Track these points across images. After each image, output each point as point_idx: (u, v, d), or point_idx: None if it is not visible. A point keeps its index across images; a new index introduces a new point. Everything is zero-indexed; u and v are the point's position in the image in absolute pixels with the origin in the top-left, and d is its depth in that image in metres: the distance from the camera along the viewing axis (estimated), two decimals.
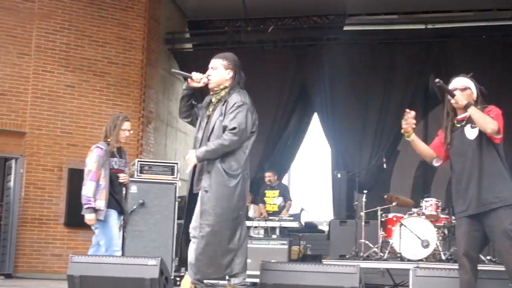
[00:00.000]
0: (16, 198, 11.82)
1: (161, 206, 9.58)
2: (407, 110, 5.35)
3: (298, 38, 14.47)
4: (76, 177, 11.64)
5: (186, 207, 5.59)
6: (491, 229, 5.11)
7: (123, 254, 7.89)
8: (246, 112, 5.41)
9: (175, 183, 9.70)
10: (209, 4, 14.37)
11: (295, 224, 11.07)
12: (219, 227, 5.27)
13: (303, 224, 12.19)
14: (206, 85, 5.57)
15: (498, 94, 9.95)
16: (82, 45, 12.39)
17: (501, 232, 5.06)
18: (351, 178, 11.84)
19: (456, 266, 5.50)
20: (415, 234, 9.15)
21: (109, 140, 7.25)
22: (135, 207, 9.26)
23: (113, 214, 7.18)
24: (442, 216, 9.74)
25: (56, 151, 11.98)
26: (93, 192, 7.02)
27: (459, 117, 5.34)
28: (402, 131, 5.37)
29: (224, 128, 5.38)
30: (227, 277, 5.40)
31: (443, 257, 9.17)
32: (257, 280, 5.75)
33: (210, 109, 5.56)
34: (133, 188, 9.24)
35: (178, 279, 8.63)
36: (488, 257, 8.98)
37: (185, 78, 5.63)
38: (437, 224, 9.48)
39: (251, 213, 11.89)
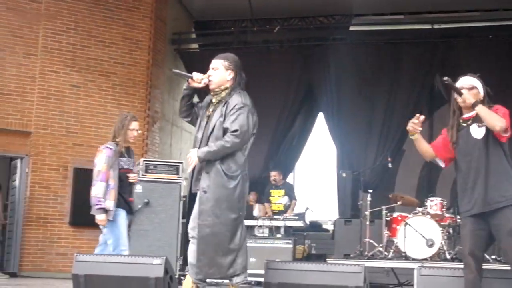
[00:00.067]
0: (21, 197, 11.86)
1: (166, 205, 9.60)
2: (418, 115, 5.36)
3: (304, 38, 14.49)
4: (81, 177, 11.74)
5: (188, 207, 5.59)
6: (498, 228, 5.09)
7: None
8: (247, 113, 5.39)
9: (180, 182, 9.72)
10: (215, 5, 14.38)
11: (299, 223, 11.07)
12: (219, 228, 5.27)
13: (308, 223, 12.19)
14: (207, 85, 5.56)
15: (504, 94, 9.92)
16: (88, 46, 12.43)
17: (508, 231, 5.05)
18: (356, 177, 11.83)
19: (461, 265, 5.49)
20: (420, 233, 9.14)
21: (117, 140, 7.24)
22: (140, 206, 9.26)
23: (122, 214, 7.18)
24: (447, 215, 9.71)
25: (62, 150, 12.02)
26: (103, 192, 7.02)
27: (465, 116, 5.33)
28: (408, 128, 5.39)
29: (225, 130, 5.36)
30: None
31: (448, 257, 9.14)
32: (261, 279, 5.75)
33: (210, 109, 5.55)
34: (138, 188, 9.25)
35: (182, 278, 8.60)
36: (493, 256, 8.96)
37: (186, 78, 5.62)
38: (442, 224, 9.45)
39: (256, 213, 11.88)
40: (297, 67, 14.05)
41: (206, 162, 5.36)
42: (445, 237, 9.35)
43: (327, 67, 13.76)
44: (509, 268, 5.28)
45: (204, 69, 5.72)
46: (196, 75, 5.53)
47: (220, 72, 5.54)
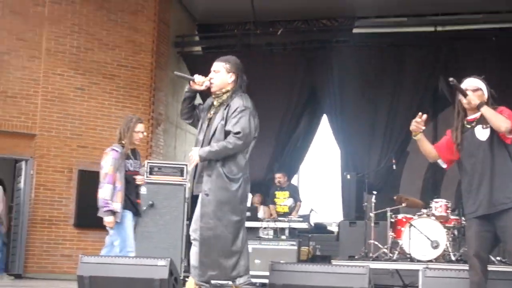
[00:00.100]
0: (26, 199, 11.88)
1: (170, 207, 9.62)
2: (420, 113, 5.37)
3: (307, 41, 14.50)
4: (86, 179, 11.78)
5: (190, 209, 5.60)
6: (503, 229, 5.08)
7: None
8: (248, 116, 5.38)
9: (185, 184, 9.73)
10: (218, 8, 14.40)
11: (304, 225, 11.06)
12: (221, 231, 5.27)
13: (313, 225, 12.18)
14: (209, 88, 5.56)
15: (507, 97, 9.91)
16: (92, 48, 12.46)
17: None
18: (360, 179, 11.83)
19: (466, 266, 5.49)
20: (424, 235, 9.14)
21: (123, 142, 7.26)
22: (144, 208, 9.25)
23: (129, 215, 7.19)
24: (451, 217, 9.70)
25: (66, 152, 12.05)
26: (110, 194, 7.03)
27: (469, 118, 5.33)
28: (411, 128, 5.40)
29: (227, 133, 5.36)
30: None
31: (453, 258, 9.14)
32: (266, 281, 5.75)
33: (212, 112, 5.54)
34: (143, 190, 9.23)
35: (187, 279, 8.63)
36: (498, 258, 8.96)
37: (188, 81, 5.62)
38: (446, 225, 9.45)
39: (260, 214, 11.89)
40: (300, 70, 14.06)
41: (208, 165, 5.35)
42: (450, 239, 9.34)
43: (330, 70, 13.77)
44: None
45: (207, 72, 5.72)
46: (197, 77, 5.53)
47: (221, 74, 5.53)
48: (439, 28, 13.66)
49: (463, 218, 9.26)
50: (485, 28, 13.58)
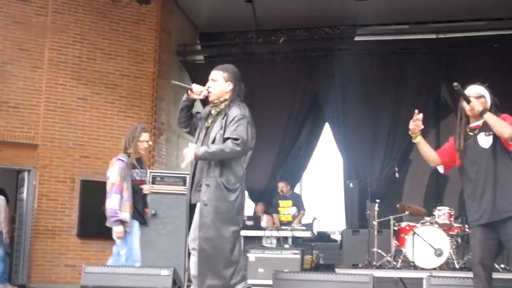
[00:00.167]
0: (29, 209, 11.87)
1: (173, 216, 9.62)
2: (417, 111, 5.37)
3: (309, 49, 14.49)
4: (88, 189, 11.79)
5: (188, 219, 5.55)
6: (507, 237, 5.06)
7: None
8: (246, 124, 5.35)
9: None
10: (220, 16, 14.42)
11: (307, 234, 11.06)
12: (219, 241, 5.25)
13: (316, 233, 12.18)
14: (207, 96, 5.55)
15: (510, 103, 9.91)
16: (94, 58, 12.47)
17: None
18: (363, 187, 11.83)
19: (469, 274, 5.47)
20: (428, 242, 9.13)
21: (129, 151, 7.27)
22: None
23: (135, 225, 7.20)
24: (455, 224, 9.70)
25: (69, 163, 12.04)
26: (118, 204, 7.04)
27: (472, 125, 5.32)
28: (410, 132, 5.40)
29: (225, 141, 5.35)
30: None
31: (457, 266, 9.14)
32: None
33: (209, 121, 5.52)
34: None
35: None
36: (502, 266, 8.95)
37: (186, 90, 5.61)
38: (450, 233, 9.45)
39: (263, 223, 11.88)
40: (302, 78, 14.08)
41: (206, 174, 5.32)
42: (454, 247, 9.34)
43: (332, 78, 13.78)
44: None
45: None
46: (195, 86, 5.51)
47: (219, 83, 5.49)
48: (441, 35, 13.67)
49: (466, 226, 9.26)
50: (487, 35, 13.58)
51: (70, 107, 12.19)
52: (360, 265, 10.10)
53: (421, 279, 6.13)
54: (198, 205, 5.36)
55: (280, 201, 12.24)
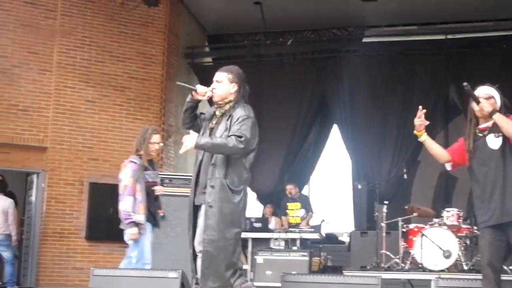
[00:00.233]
0: (37, 212, 11.90)
1: (181, 219, 9.60)
2: (420, 107, 5.39)
3: (317, 50, 14.48)
4: (96, 191, 11.82)
5: (192, 220, 5.52)
6: None
7: None
8: (250, 124, 5.35)
9: None
10: (228, 18, 14.43)
11: (315, 236, 11.05)
12: (223, 243, 5.25)
13: (324, 235, 12.16)
14: (211, 98, 5.55)
15: None
16: (102, 61, 12.49)
17: None
18: (371, 189, 11.80)
19: (478, 276, 5.47)
20: (436, 244, 9.10)
21: (140, 153, 7.28)
22: None
23: (148, 227, 7.21)
24: (463, 226, 9.66)
25: (77, 165, 12.06)
26: (132, 206, 7.05)
27: (481, 126, 5.32)
28: (415, 131, 5.41)
29: None
30: None
31: (465, 268, 9.10)
32: None
33: (214, 122, 5.52)
34: None
35: None
36: (511, 267, 8.90)
37: (190, 91, 5.61)
38: (458, 234, 9.41)
39: (272, 225, 11.87)
40: (311, 79, 14.07)
41: (211, 176, 5.31)
42: (462, 248, 9.30)
43: (340, 79, 13.77)
44: None
45: None
46: (200, 87, 5.51)
47: (224, 85, 5.49)
48: (450, 36, 13.61)
49: (475, 227, 9.22)
50: (495, 35, 13.53)
51: (79, 110, 12.21)
52: (368, 267, 10.08)
53: (430, 281, 6.12)
54: (203, 207, 5.35)
55: (288, 204, 12.23)
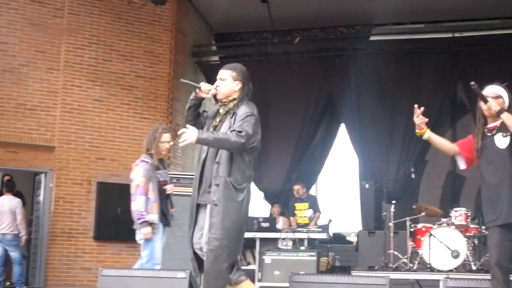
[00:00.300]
0: (45, 212, 11.91)
1: (188, 218, 9.58)
2: (416, 106, 5.39)
3: (325, 48, 14.48)
4: (104, 191, 11.82)
5: (193, 219, 5.50)
6: None
7: None
8: (253, 121, 5.32)
9: None
10: (235, 17, 14.42)
11: (323, 235, 11.03)
12: (227, 241, 5.24)
13: (331, 235, 12.14)
14: (215, 95, 5.55)
15: None
16: (110, 60, 12.50)
17: None
18: (379, 188, 11.78)
19: (486, 276, 5.46)
20: (444, 244, 9.09)
21: (151, 153, 7.27)
22: None
23: (159, 227, 7.20)
24: (472, 225, 9.64)
25: (85, 165, 12.07)
26: (145, 206, 7.04)
27: (489, 126, 5.32)
28: (416, 130, 5.41)
29: None
30: None
31: (474, 268, 9.08)
32: None
33: (217, 120, 5.50)
34: None
35: None
36: None
37: (194, 88, 5.60)
38: (467, 234, 9.39)
39: (279, 225, 11.85)
40: (318, 78, 14.07)
41: (215, 174, 5.30)
42: (470, 248, 9.28)
43: (347, 77, 13.75)
44: None
45: None
46: (204, 85, 5.50)
47: (227, 82, 5.48)
48: (457, 34, 13.57)
49: (483, 227, 9.19)
50: (503, 33, 13.48)
51: (86, 109, 12.22)
52: (376, 267, 10.06)
53: (438, 281, 6.09)
54: (208, 207, 5.35)
55: (296, 204, 12.22)
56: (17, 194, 11.81)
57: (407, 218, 10.01)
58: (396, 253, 9.97)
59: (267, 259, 10.16)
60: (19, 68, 11.88)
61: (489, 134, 5.28)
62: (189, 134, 5.17)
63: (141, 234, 7.08)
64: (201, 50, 14.73)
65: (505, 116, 5.13)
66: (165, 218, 7.29)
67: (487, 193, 5.27)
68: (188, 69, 14.03)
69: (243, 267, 5.71)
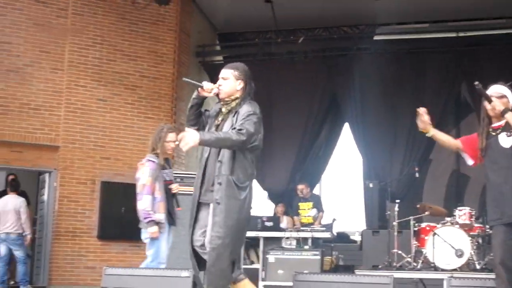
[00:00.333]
0: (49, 211, 11.94)
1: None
2: (418, 109, 5.40)
3: (329, 48, 14.49)
4: (108, 190, 11.83)
5: (194, 217, 5.51)
6: None
7: None
8: (254, 120, 5.33)
9: None
10: (239, 17, 14.43)
11: (327, 235, 11.03)
12: (230, 239, 5.25)
13: (335, 234, 12.14)
14: (217, 94, 5.56)
15: None
16: (114, 59, 12.52)
17: None
18: (383, 187, 11.79)
19: (491, 275, 5.45)
20: (448, 243, 9.07)
21: (156, 152, 7.27)
22: None
23: (165, 227, 7.21)
24: (476, 225, 9.62)
25: (89, 164, 12.09)
26: (151, 205, 7.04)
27: (494, 125, 5.32)
28: (420, 126, 5.42)
29: None
30: None
31: (478, 267, 9.07)
32: None
33: (220, 119, 5.51)
34: None
35: None
36: None
37: (196, 87, 5.60)
38: (471, 233, 9.37)
39: (283, 225, 11.85)
40: (322, 77, 14.08)
41: (218, 173, 5.30)
42: (475, 247, 9.27)
43: (351, 77, 13.76)
44: None
45: None
46: (206, 84, 5.50)
47: (230, 82, 5.50)
48: (461, 34, 13.56)
49: (487, 226, 9.18)
50: (507, 33, 13.46)
51: (90, 109, 12.24)
52: (380, 266, 10.05)
53: (442, 280, 6.09)
54: (211, 206, 5.35)
55: (300, 204, 12.22)
56: (22, 194, 11.81)
57: (411, 217, 10.01)
58: (400, 252, 9.96)
59: (271, 258, 10.17)
60: (23, 68, 11.90)
61: (494, 134, 5.29)
62: (191, 137, 5.12)
63: (147, 233, 7.08)
64: (205, 50, 14.73)
65: (509, 116, 5.13)
66: (171, 217, 7.30)
67: (491, 192, 5.27)
68: (192, 69, 14.04)
69: (247, 266, 5.73)
